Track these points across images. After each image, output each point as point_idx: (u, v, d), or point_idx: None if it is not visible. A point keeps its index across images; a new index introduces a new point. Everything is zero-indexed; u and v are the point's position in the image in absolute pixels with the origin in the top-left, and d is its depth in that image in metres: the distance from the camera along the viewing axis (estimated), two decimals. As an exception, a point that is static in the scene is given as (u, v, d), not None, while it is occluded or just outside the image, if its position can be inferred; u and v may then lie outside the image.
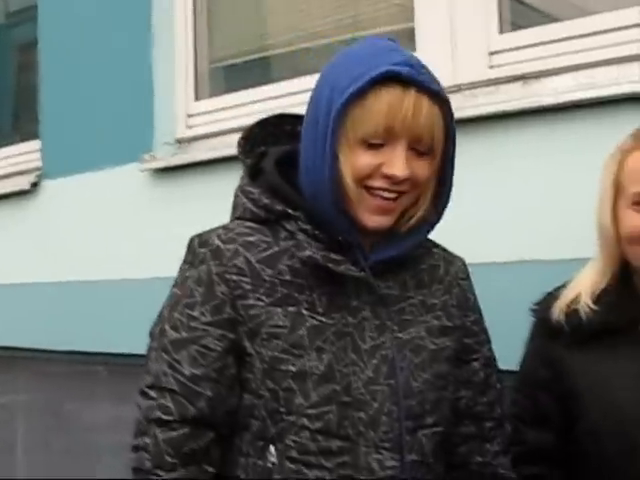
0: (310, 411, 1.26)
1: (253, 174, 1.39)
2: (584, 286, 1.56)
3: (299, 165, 1.34)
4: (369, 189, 1.27)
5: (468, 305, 1.48)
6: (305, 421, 1.26)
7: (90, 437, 3.07)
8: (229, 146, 2.45)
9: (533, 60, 2.15)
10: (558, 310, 1.56)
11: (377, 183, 1.28)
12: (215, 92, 2.96)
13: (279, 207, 1.33)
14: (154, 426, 1.26)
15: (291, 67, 2.81)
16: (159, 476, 1.25)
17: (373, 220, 1.30)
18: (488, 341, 1.51)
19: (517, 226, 2.12)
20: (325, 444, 1.26)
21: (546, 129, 2.06)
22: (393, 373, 1.32)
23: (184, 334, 1.28)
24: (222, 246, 1.30)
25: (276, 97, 2.55)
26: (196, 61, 2.97)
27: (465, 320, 1.46)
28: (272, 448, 1.26)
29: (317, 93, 1.32)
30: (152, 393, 1.27)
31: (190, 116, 2.88)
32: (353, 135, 1.26)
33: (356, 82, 1.23)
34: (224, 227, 1.35)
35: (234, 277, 1.29)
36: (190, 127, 2.86)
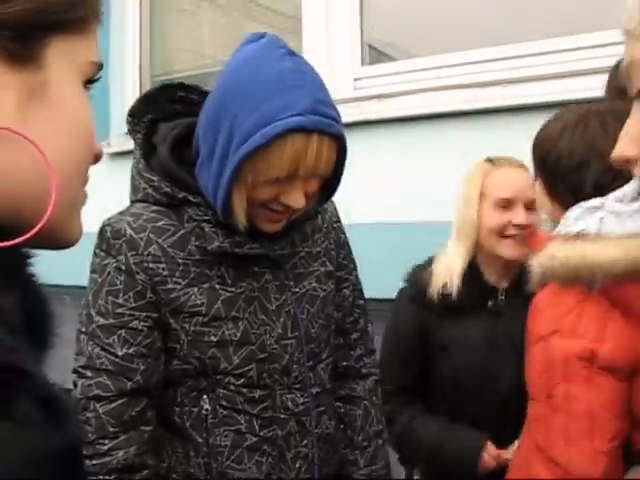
0: (234, 372, 1.33)
1: (146, 153, 1.34)
2: (450, 269, 1.87)
3: (193, 154, 1.31)
4: (265, 207, 1.26)
5: (340, 243, 1.55)
6: (231, 379, 1.33)
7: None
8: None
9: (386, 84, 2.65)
10: (433, 286, 1.88)
11: (274, 207, 1.27)
12: None
13: (180, 195, 1.30)
14: (94, 402, 1.27)
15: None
16: (104, 445, 1.26)
17: (268, 227, 1.32)
18: (354, 268, 1.61)
19: (377, 197, 2.55)
20: (249, 395, 1.34)
21: (394, 135, 2.55)
22: (297, 326, 1.40)
23: (111, 320, 1.28)
24: (135, 235, 1.28)
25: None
26: (141, 75, 3.55)
27: (339, 257, 1.54)
28: (205, 397, 1.34)
29: (214, 115, 1.22)
30: (88, 373, 1.27)
31: None
32: (253, 178, 1.20)
33: (261, 132, 1.15)
34: (131, 213, 1.31)
35: (151, 265, 1.29)
36: None
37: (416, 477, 2.02)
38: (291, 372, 1.39)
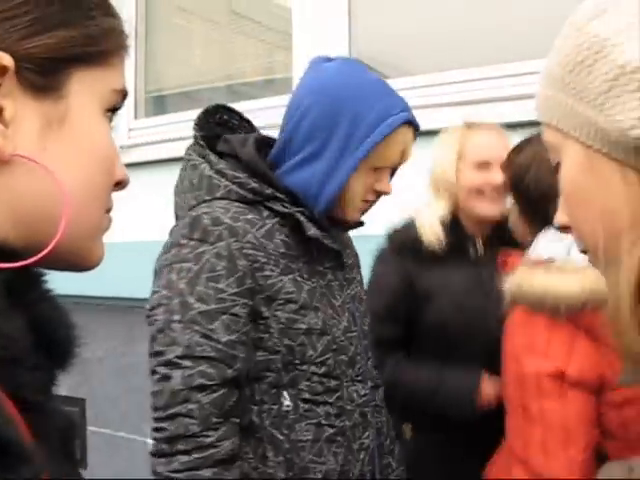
0: (317, 360, 1.39)
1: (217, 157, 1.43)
2: (433, 220, 1.94)
3: (282, 157, 1.45)
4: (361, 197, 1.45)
5: (358, 262, 1.69)
6: (314, 368, 1.38)
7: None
8: (159, 152, 3.12)
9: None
10: (414, 236, 1.94)
11: (370, 197, 1.47)
12: (148, 114, 3.63)
13: (268, 191, 1.40)
14: (196, 392, 1.25)
15: (208, 100, 3.28)
16: (209, 437, 1.25)
17: (355, 217, 1.50)
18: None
19: None
20: (327, 384, 1.40)
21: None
22: (355, 321, 1.51)
23: (213, 305, 1.29)
24: (233, 224, 1.33)
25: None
26: (136, 91, 3.59)
27: (358, 272, 1.68)
28: (285, 393, 1.36)
29: (330, 112, 1.39)
30: (187, 362, 1.25)
31: (131, 130, 3.52)
32: (368, 165, 1.41)
33: (386, 124, 1.38)
34: (219, 206, 1.36)
35: (250, 252, 1.33)
36: (130, 137, 3.49)
37: (408, 432, 2.05)
38: (355, 364, 1.46)
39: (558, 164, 0.80)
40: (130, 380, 3.33)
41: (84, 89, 0.62)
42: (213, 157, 1.42)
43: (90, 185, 0.64)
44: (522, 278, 1.47)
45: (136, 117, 3.62)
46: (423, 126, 2.47)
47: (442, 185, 1.98)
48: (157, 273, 1.36)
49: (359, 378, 1.46)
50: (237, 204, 1.37)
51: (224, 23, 3.69)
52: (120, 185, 0.70)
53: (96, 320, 3.40)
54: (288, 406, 1.35)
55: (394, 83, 2.65)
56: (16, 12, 0.57)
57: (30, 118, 0.59)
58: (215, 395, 1.26)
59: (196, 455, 1.24)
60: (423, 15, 2.86)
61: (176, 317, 1.28)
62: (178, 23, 3.85)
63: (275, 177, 1.43)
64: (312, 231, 1.40)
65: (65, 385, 1.31)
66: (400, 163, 1.48)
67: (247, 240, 1.33)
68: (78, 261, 0.65)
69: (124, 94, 0.68)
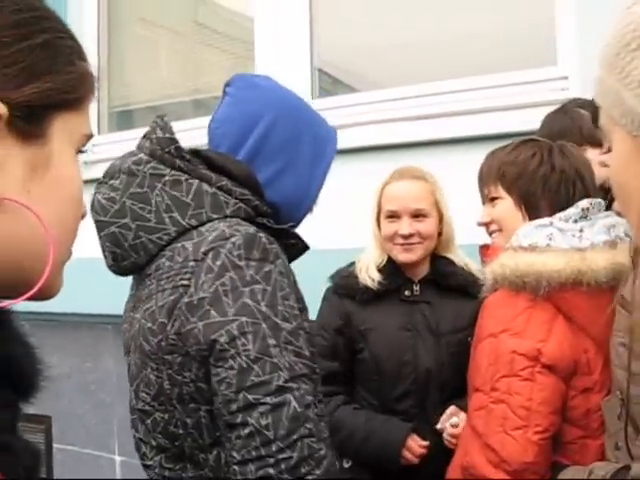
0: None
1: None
2: (369, 264, 2.06)
3: (259, 171, 1.43)
4: None
5: None
6: (318, 370, 1.45)
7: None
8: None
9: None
10: (354, 280, 2.06)
11: None
12: (111, 129, 3.62)
13: (264, 207, 1.41)
14: (309, 410, 1.23)
15: (174, 114, 3.41)
16: (322, 449, 1.24)
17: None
18: None
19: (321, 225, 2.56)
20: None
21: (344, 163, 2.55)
22: None
23: (294, 323, 1.28)
24: (274, 240, 1.35)
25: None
26: (99, 106, 3.58)
27: None
28: (311, 399, 1.35)
29: (295, 124, 1.46)
30: (293, 384, 1.22)
31: (94, 145, 3.48)
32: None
33: (332, 143, 1.53)
34: (244, 225, 1.33)
35: (288, 266, 1.37)
36: (94, 153, 3.44)
37: (346, 465, 2.09)
38: None
39: (609, 149, 0.78)
40: (96, 396, 3.29)
41: (63, 134, 0.65)
42: (208, 172, 1.37)
43: (66, 224, 0.67)
44: (505, 260, 1.51)
45: (99, 132, 3.60)
46: (384, 140, 2.52)
47: (373, 234, 2.13)
48: (209, 302, 1.25)
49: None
50: (246, 223, 1.34)
51: (188, 34, 3.69)
52: (82, 218, 0.73)
53: (61, 336, 3.37)
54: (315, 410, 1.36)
55: (357, 97, 2.78)
56: (10, 60, 0.59)
57: (16, 163, 0.60)
58: (315, 408, 1.27)
59: (318, 471, 1.22)
60: (385, 25, 2.88)
61: (271, 341, 1.22)
62: (141, 34, 3.83)
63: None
64: (300, 244, 1.46)
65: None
66: None
67: (285, 257, 1.35)
68: (44, 292, 0.66)
69: (90, 137, 0.71)
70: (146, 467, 1.43)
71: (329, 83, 3.08)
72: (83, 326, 3.27)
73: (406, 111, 2.64)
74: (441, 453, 1.89)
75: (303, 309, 1.38)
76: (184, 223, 1.33)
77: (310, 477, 1.20)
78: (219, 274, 1.25)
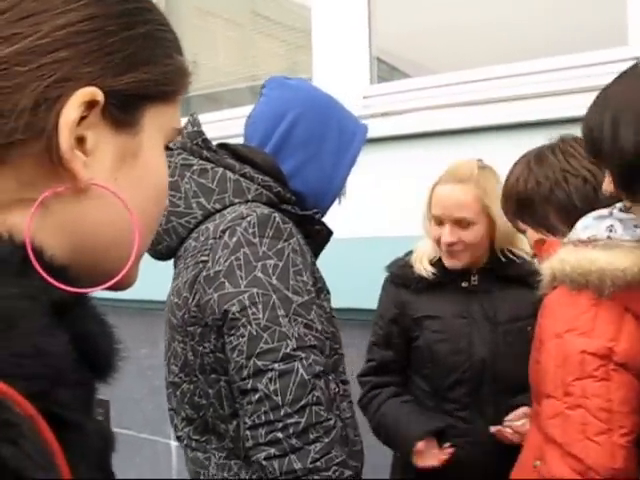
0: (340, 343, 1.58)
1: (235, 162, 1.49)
2: (423, 257, 2.06)
3: (283, 163, 1.52)
4: None
5: None
6: (341, 351, 1.56)
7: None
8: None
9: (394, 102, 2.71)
10: (409, 269, 2.06)
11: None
12: None
13: (288, 194, 1.50)
14: (317, 380, 1.28)
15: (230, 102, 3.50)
16: (331, 419, 1.30)
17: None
18: None
19: (378, 212, 2.63)
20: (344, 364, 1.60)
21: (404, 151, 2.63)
22: None
23: (306, 297, 1.34)
24: (289, 221, 1.42)
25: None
26: None
27: None
28: (330, 378, 1.44)
29: (321, 120, 1.55)
30: (301, 353, 1.28)
31: None
32: None
33: (360, 133, 1.61)
34: (260, 207, 1.41)
35: (305, 247, 1.44)
36: None
37: (397, 453, 2.12)
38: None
39: None
40: (153, 381, 3.34)
41: (155, 125, 0.66)
42: (232, 161, 1.48)
43: (149, 215, 0.67)
44: (565, 256, 1.42)
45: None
46: (444, 126, 2.48)
47: (425, 230, 2.09)
48: (224, 275, 1.33)
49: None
50: (266, 206, 1.42)
51: (245, 24, 3.70)
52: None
53: (118, 322, 3.39)
54: (335, 389, 1.42)
55: (415, 82, 2.79)
56: (112, 48, 0.60)
57: (107, 150, 0.61)
58: (325, 380, 1.32)
59: (326, 439, 1.26)
60: (445, 11, 2.85)
61: (281, 312, 1.29)
62: (198, 24, 3.86)
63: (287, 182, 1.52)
64: (325, 230, 1.55)
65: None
66: None
67: (301, 237, 1.42)
68: (122, 283, 0.67)
69: (179, 132, 0.72)
70: (178, 439, 1.53)
71: (386, 71, 3.06)
72: (139, 312, 3.32)
73: (467, 95, 2.58)
74: (494, 446, 1.88)
75: (322, 289, 1.47)
76: (209, 207, 1.44)
77: (318, 444, 1.25)
78: (234, 249, 1.34)
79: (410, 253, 2.11)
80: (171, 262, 1.57)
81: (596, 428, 1.34)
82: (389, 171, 2.65)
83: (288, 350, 1.27)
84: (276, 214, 1.38)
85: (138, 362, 3.39)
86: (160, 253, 1.53)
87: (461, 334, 2.01)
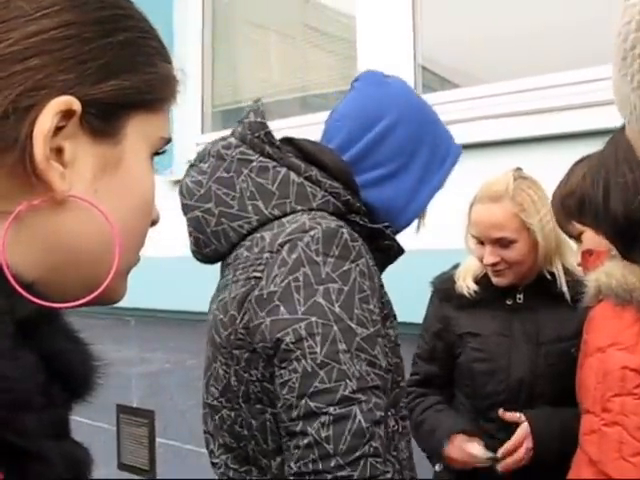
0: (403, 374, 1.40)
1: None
2: (467, 273, 2.03)
3: (365, 172, 1.38)
4: None
5: None
6: (404, 384, 1.37)
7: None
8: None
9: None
10: (453, 284, 2.03)
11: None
12: (215, 128, 3.64)
13: (358, 204, 1.34)
14: (377, 427, 1.13)
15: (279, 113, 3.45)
16: (387, 472, 1.14)
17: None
18: None
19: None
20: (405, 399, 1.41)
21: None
22: None
23: (371, 329, 1.18)
24: (360, 238, 1.26)
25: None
26: (202, 105, 3.64)
27: None
28: (389, 414, 1.26)
29: (417, 133, 1.40)
30: (361, 396, 1.12)
31: (197, 144, 3.47)
32: None
33: (455, 148, 1.49)
34: (330, 219, 1.26)
35: (374, 268, 1.27)
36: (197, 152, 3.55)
37: (437, 469, 2.06)
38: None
39: None
40: (198, 393, 3.33)
41: (138, 134, 0.64)
42: (297, 160, 1.31)
43: (136, 228, 0.65)
44: (611, 269, 1.40)
45: (203, 132, 3.63)
46: (491, 137, 2.42)
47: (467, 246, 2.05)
48: (279, 297, 1.18)
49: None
50: (334, 217, 1.27)
51: (295, 35, 3.70)
52: (153, 223, 0.71)
53: (165, 333, 3.45)
54: (394, 426, 1.28)
55: (463, 92, 2.75)
56: (89, 56, 0.58)
57: (86, 161, 0.60)
58: (386, 426, 1.17)
59: None
60: (492, 20, 2.80)
61: (342, 347, 1.13)
62: (246, 35, 3.88)
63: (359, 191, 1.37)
64: (396, 246, 1.39)
65: (135, 397, 1.30)
66: None
67: (370, 256, 1.26)
68: (106, 298, 0.65)
69: (168, 141, 0.69)
70: (213, 465, 1.40)
71: (433, 81, 3.02)
72: (187, 323, 3.33)
73: (510, 106, 2.54)
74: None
75: (389, 316, 1.32)
76: (267, 213, 1.28)
77: None
78: (293, 268, 1.18)
79: (457, 266, 2.08)
80: (208, 266, 1.46)
81: (632, 448, 1.30)
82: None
83: (347, 392, 1.11)
84: (344, 229, 1.22)
85: (184, 373, 3.40)
86: (207, 257, 1.38)
87: (500, 353, 1.97)
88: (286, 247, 1.21)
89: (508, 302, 2.00)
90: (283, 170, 1.30)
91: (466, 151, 2.50)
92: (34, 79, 0.55)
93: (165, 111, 0.67)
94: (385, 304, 1.30)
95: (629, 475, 1.29)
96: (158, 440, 3.58)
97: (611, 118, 2.13)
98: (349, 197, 1.31)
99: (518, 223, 1.87)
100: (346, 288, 1.17)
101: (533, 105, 2.48)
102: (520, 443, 1.85)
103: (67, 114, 0.57)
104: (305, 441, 1.12)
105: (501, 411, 1.92)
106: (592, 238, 1.56)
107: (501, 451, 1.86)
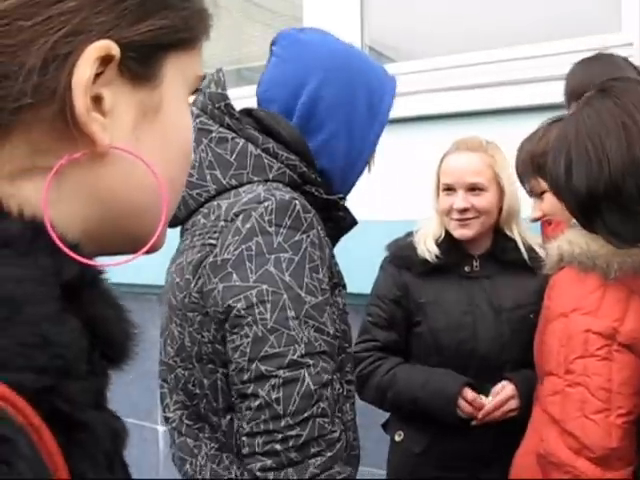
0: (351, 340, 1.43)
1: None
2: (428, 237, 2.03)
3: (311, 138, 1.36)
4: None
5: None
6: (350, 349, 1.40)
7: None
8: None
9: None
10: (411, 250, 2.03)
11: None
12: None
13: (313, 176, 1.35)
14: (325, 389, 1.17)
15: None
16: (335, 431, 1.19)
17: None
18: None
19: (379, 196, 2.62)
20: (351, 363, 1.42)
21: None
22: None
23: (320, 297, 1.21)
24: (312, 209, 1.27)
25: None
26: None
27: None
28: (335, 377, 1.27)
29: (348, 86, 1.36)
30: (310, 360, 1.16)
31: None
32: None
33: (391, 85, 1.42)
34: (285, 190, 1.27)
35: (326, 239, 1.30)
36: None
37: (397, 438, 2.09)
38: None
39: None
40: (140, 366, 3.32)
41: (176, 77, 0.60)
42: (256, 132, 1.32)
43: (176, 175, 0.63)
44: (573, 238, 1.45)
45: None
46: (434, 110, 2.47)
47: (433, 206, 2.09)
48: (232, 265, 1.21)
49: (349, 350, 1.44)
50: (289, 188, 1.29)
51: (234, 9, 3.65)
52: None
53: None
54: (338, 389, 1.29)
55: (404, 66, 2.76)
56: None
57: (127, 108, 0.56)
58: (332, 389, 1.20)
59: (329, 453, 1.17)
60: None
61: (291, 314, 1.17)
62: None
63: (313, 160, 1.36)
64: (349, 218, 1.40)
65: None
66: None
67: (322, 227, 1.28)
68: (152, 250, 0.63)
69: (203, 78, 0.66)
70: (166, 419, 1.44)
71: (380, 61, 3.04)
72: (127, 296, 3.24)
73: (458, 80, 2.60)
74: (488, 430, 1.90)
75: (338, 285, 1.35)
76: (224, 182, 1.31)
77: (319, 457, 1.16)
78: (246, 237, 1.21)
79: (410, 235, 2.10)
80: (169, 247, 1.49)
81: (594, 407, 1.36)
82: (387, 154, 2.68)
83: (295, 356, 1.15)
84: (297, 201, 1.24)
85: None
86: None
87: (465, 322, 2.01)
88: (241, 217, 1.23)
89: (466, 269, 2.05)
90: (241, 142, 1.31)
91: (417, 123, 2.59)
92: (71, 23, 0.51)
93: (199, 48, 0.64)
94: (335, 273, 1.32)
95: (591, 432, 1.35)
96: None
97: (554, 92, 2.24)
98: (305, 169, 1.33)
99: (491, 174, 1.99)
100: (297, 258, 1.20)
101: (482, 79, 2.56)
102: (503, 402, 1.92)
103: (105, 59, 0.53)
104: (256, 403, 1.16)
105: (494, 390, 1.96)
106: (554, 199, 1.62)
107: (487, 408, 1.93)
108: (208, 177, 1.31)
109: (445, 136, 2.11)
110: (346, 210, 1.41)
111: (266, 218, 1.21)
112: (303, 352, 1.16)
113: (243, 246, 1.21)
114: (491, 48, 2.60)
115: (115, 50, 0.53)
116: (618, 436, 1.35)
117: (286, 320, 1.16)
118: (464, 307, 2.02)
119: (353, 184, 1.43)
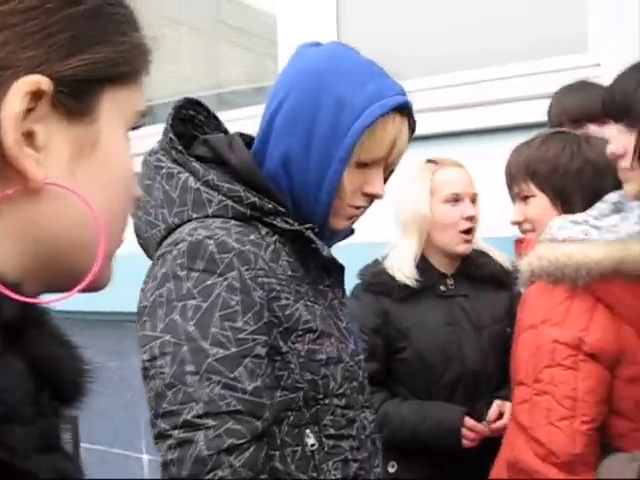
0: (338, 391, 1.23)
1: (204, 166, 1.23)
2: (405, 261, 2.01)
3: (262, 157, 1.26)
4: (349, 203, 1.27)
5: None
6: (336, 401, 1.23)
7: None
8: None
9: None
10: (386, 275, 2.01)
11: (359, 202, 1.28)
12: None
13: (270, 205, 1.21)
14: (226, 455, 1.06)
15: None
16: None
17: (343, 225, 1.30)
18: None
19: None
20: (349, 416, 1.25)
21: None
22: (356, 342, 1.34)
23: (234, 349, 1.09)
24: (242, 248, 1.14)
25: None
26: None
27: None
28: (308, 431, 1.19)
29: (311, 96, 1.20)
30: (210, 421, 1.06)
31: None
32: (355, 159, 1.22)
33: (375, 104, 1.19)
34: (218, 227, 1.16)
35: (265, 280, 1.16)
36: None
37: (391, 470, 2.04)
38: (365, 390, 1.32)
39: None
40: (123, 395, 3.29)
41: (114, 110, 0.59)
42: (197, 165, 1.22)
43: (116, 210, 0.61)
44: (542, 252, 1.49)
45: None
46: (420, 130, 2.52)
47: (415, 223, 2.02)
48: (147, 313, 1.14)
49: (367, 404, 1.32)
50: (234, 222, 1.18)
51: (211, 32, 3.67)
52: (134, 203, 0.67)
53: (87, 335, 3.33)
54: (313, 445, 1.20)
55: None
56: (56, 28, 0.53)
57: (62, 143, 0.55)
58: (247, 454, 1.07)
59: None
60: (412, 19, 2.86)
61: (189, 368, 1.07)
62: (163, 33, 3.82)
63: (274, 188, 1.24)
64: (325, 251, 1.25)
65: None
66: (392, 159, 1.27)
67: (260, 266, 1.15)
68: (95, 285, 0.62)
69: (143, 114, 0.65)
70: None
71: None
72: (108, 325, 3.27)
73: (436, 101, 2.60)
74: (487, 448, 1.88)
75: (294, 329, 1.20)
76: (170, 221, 1.23)
77: None
78: (160, 283, 1.14)
79: (377, 261, 2.08)
80: (137, 273, 1.38)
81: (560, 414, 1.41)
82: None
83: (189, 416, 1.05)
84: (212, 240, 1.13)
85: (108, 375, 3.34)
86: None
87: (450, 341, 2.00)
88: (160, 260, 1.17)
89: (442, 288, 2.05)
90: (184, 176, 1.22)
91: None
92: None
93: (139, 83, 0.63)
94: (285, 317, 1.19)
95: (556, 438, 1.40)
96: (83, 445, 3.51)
97: (534, 113, 2.25)
98: (255, 199, 1.20)
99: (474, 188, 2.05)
100: (205, 305, 1.10)
101: (454, 100, 2.57)
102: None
103: (36, 95, 0.52)
104: (162, 459, 1.10)
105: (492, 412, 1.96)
106: (539, 205, 1.65)
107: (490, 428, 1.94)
108: (160, 216, 1.24)
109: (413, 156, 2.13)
110: (313, 242, 1.24)
111: (178, 261, 1.13)
112: (200, 412, 1.06)
113: (157, 292, 1.14)
114: (455, 70, 2.63)
115: (46, 85, 0.52)
116: (582, 442, 1.39)
117: (184, 375, 1.07)
118: (447, 326, 2.02)
119: (324, 215, 1.26)
